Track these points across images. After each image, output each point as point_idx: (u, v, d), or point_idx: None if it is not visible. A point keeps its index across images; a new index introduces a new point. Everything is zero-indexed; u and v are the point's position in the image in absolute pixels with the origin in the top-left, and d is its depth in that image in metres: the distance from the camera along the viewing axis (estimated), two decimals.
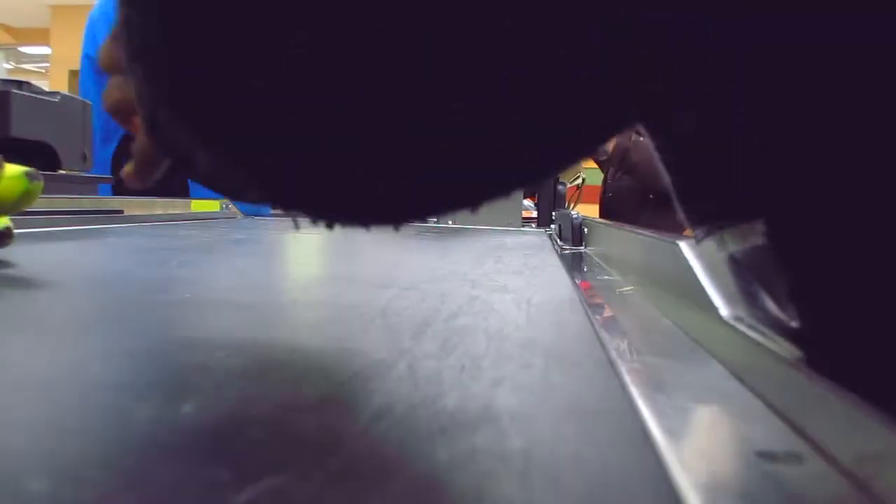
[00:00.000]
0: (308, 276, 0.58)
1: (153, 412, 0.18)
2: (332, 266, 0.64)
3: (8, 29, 7.16)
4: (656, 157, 0.25)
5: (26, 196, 0.55)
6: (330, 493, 0.14)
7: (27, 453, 0.15)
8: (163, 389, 0.21)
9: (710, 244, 0.27)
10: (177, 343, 0.29)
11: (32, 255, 0.57)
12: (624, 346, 0.31)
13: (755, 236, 0.23)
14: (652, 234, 0.49)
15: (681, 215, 0.27)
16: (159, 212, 1.21)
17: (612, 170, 2.44)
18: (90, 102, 1.20)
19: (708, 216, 0.25)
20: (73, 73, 6.59)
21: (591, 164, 2.55)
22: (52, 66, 6.81)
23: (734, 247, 0.25)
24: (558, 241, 1.01)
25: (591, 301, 0.46)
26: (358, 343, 0.30)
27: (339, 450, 0.16)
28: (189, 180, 0.28)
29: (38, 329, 0.30)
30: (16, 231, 0.57)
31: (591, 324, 0.35)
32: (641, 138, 2.27)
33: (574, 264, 0.76)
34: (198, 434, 0.17)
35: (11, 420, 0.18)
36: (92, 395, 0.20)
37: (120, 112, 0.29)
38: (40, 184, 0.56)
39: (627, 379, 0.24)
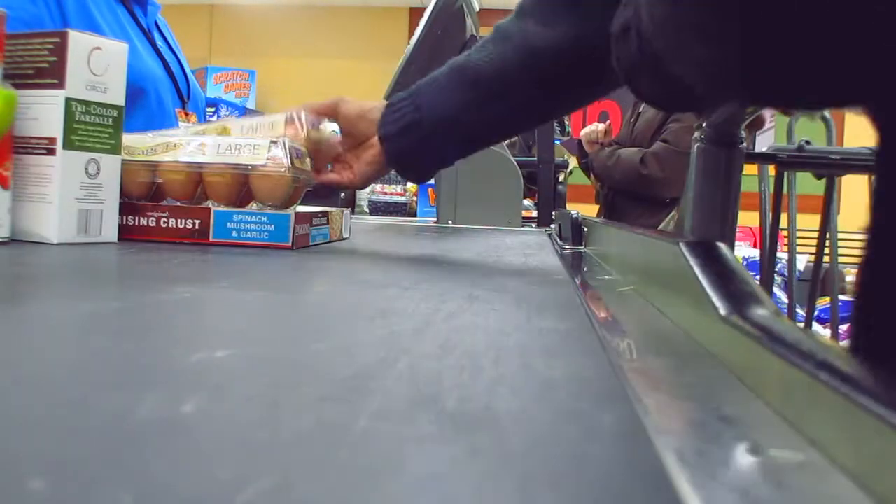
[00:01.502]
0: (309, 278, 0.58)
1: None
2: (333, 266, 0.65)
3: None
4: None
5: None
6: None
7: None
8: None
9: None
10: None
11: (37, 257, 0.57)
12: (624, 345, 0.31)
13: None
14: (652, 234, 0.49)
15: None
16: None
17: (598, 184, 2.49)
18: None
19: None
20: None
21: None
22: None
23: None
24: (558, 240, 1.01)
25: (590, 300, 0.46)
26: (358, 341, 0.30)
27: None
28: None
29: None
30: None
31: (591, 323, 0.35)
32: (619, 153, 2.29)
33: (574, 264, 0.76)
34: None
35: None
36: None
37: None
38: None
39: (627, 378, 0.24)
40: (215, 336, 0.31)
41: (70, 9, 1.29)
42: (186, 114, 1.51)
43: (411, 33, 1.44)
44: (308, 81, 5.21)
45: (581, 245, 0.94)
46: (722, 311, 0.28)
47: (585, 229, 0.94)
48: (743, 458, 0.17)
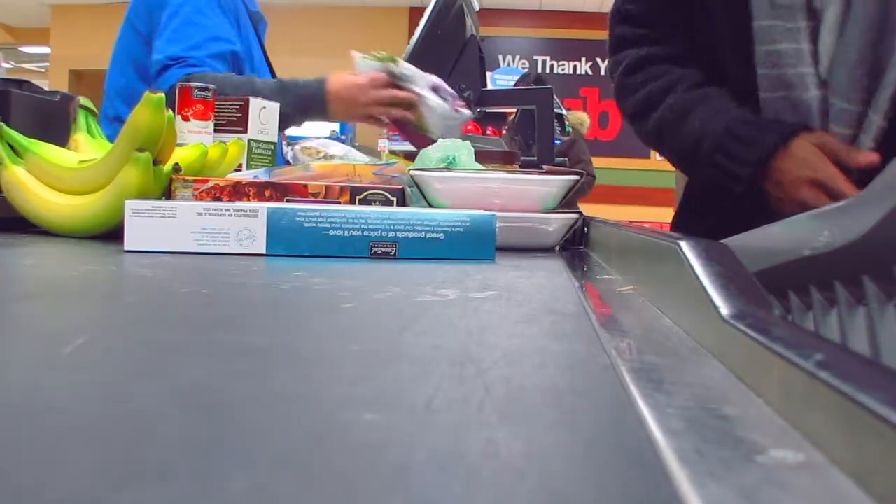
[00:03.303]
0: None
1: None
2: (335, 268, 0.65)
3: (8, 29, 7.15)
4: None
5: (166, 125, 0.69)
6: None
7: None
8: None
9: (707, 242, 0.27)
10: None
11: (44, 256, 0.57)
12: (624, 345, 0.31)
13: None
14: (652, 234, 0.49)
15: None
16: None
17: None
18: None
19: None
20: (73, 73, 6.59)
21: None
22: (52, 66, 6.80)
23: None
24: None
25: (590, 300, 0.46)
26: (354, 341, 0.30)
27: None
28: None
29: None
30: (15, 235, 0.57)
31: (591, 323, 0.35)
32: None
33: (574, 263, 0.76)
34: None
35: None
36: None
37: None
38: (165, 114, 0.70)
39: (627, 378, 0.24)
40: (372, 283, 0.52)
41: (242, 29, 1.47)
42: None
43: (411, 33, 1.44)
44: None
45: (581, 245, 0.94)
46: (722, 311, 0.28)
47: (586, 229, 0.94)
48: (743, 458, 0.17)
